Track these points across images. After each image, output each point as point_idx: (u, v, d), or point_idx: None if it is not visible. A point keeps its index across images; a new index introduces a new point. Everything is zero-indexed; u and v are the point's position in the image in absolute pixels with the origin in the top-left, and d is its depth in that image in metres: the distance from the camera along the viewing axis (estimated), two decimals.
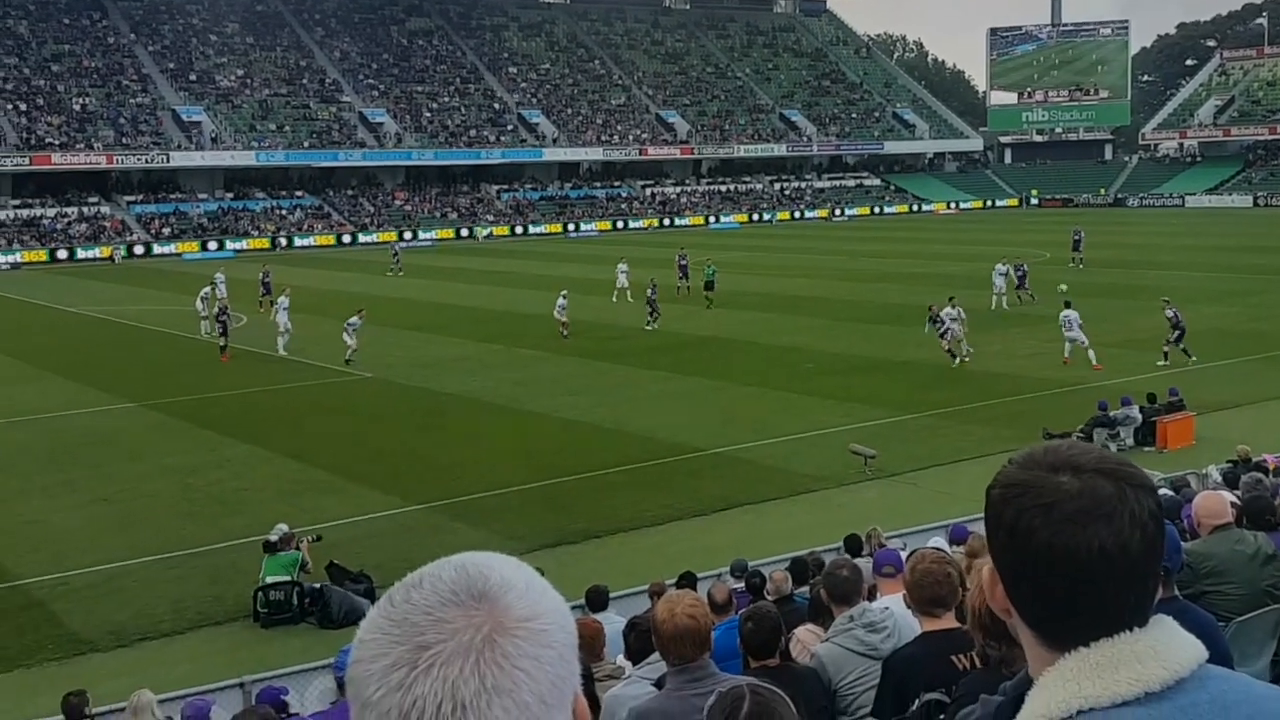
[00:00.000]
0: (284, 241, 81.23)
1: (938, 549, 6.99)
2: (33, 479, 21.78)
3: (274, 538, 15.45)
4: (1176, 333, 28.97)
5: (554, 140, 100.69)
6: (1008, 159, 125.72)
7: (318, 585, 15.09)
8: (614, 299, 43.69)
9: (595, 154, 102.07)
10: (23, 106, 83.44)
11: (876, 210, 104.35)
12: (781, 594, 10.00)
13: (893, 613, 6.14)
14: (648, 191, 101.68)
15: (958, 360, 30.04)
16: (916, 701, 4.79)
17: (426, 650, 1.21)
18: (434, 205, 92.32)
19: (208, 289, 40.47)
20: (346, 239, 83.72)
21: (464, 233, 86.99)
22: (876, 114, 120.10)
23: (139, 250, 76.37)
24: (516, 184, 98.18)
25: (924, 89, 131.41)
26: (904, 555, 7.32)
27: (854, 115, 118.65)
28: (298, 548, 15.42)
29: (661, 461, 21.70)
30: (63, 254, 73.88)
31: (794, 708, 3.43)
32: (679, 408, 26.48)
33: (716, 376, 29.69)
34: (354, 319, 32.45)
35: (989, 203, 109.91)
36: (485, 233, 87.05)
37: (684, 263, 46.46)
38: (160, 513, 19.47)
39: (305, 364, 32.81)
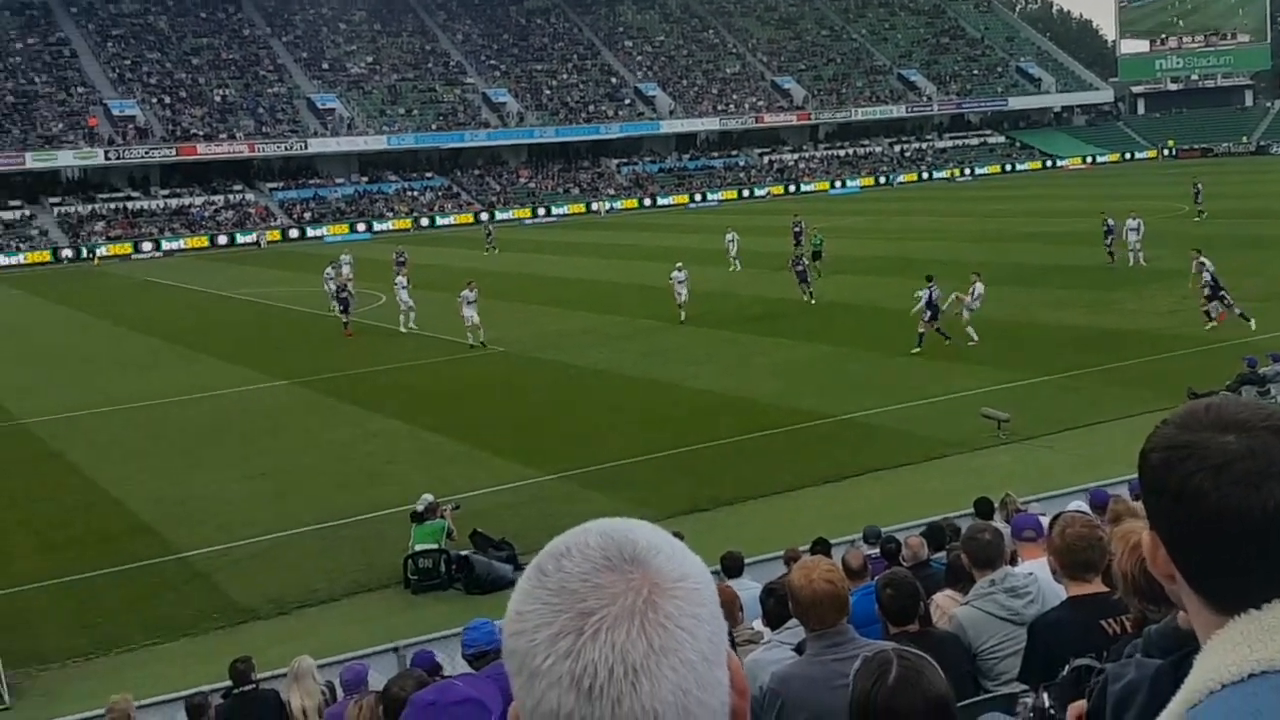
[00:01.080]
0: (425, 222, 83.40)
1: (1083, 513, 6.98)
2: (195, 455, 22.90)
3: (420, 507, 16.06)
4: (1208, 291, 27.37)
5: (670, 112, 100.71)
6: (1140, 109, 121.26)
7: (464, 553, 15.65)
8: (730, 269, 43.93)
9: (712, 124, 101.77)
10: (167, 100, 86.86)
11: (1003, 169, 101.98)
12: (918, 559, 10.06)
13: (1036, 578, 6.15)
14: (765, 160, 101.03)
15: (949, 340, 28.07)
16: (1066, 667, 4.82)
17: (591, 616, 1.22)
18: (557, 181, 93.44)
19: (330, 270, 41.76)
20: (485, 216, 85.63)
21: (594, 206, 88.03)
22: (999, 69, 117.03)
23: (294, 234, 79.24)
24: (635, 157, 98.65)
25: (1049, 41, 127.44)
26: (1044, 520, 7.35)
27: (975, 72, 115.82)
28: (442, 516, 16.00)
29: (790, 428, 21.80)
30: (221, 240, 77.20)
31: (941, 673, 3.41)
32: (806, 374, 26.52)
33: (841, 343, 29.61)
34: (466, 292, 32.37)
35: (1127, 155, 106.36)
36: (606, 207, 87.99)
37: (799, 230, 46.33)
38: (314, 485, 20.34)
39: (442, 340, 33.67)
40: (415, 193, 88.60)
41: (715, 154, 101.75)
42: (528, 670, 1.23)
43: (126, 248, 74.58)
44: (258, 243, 76.11)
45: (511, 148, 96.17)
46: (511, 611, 1.28)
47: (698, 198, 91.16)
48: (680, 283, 34.51)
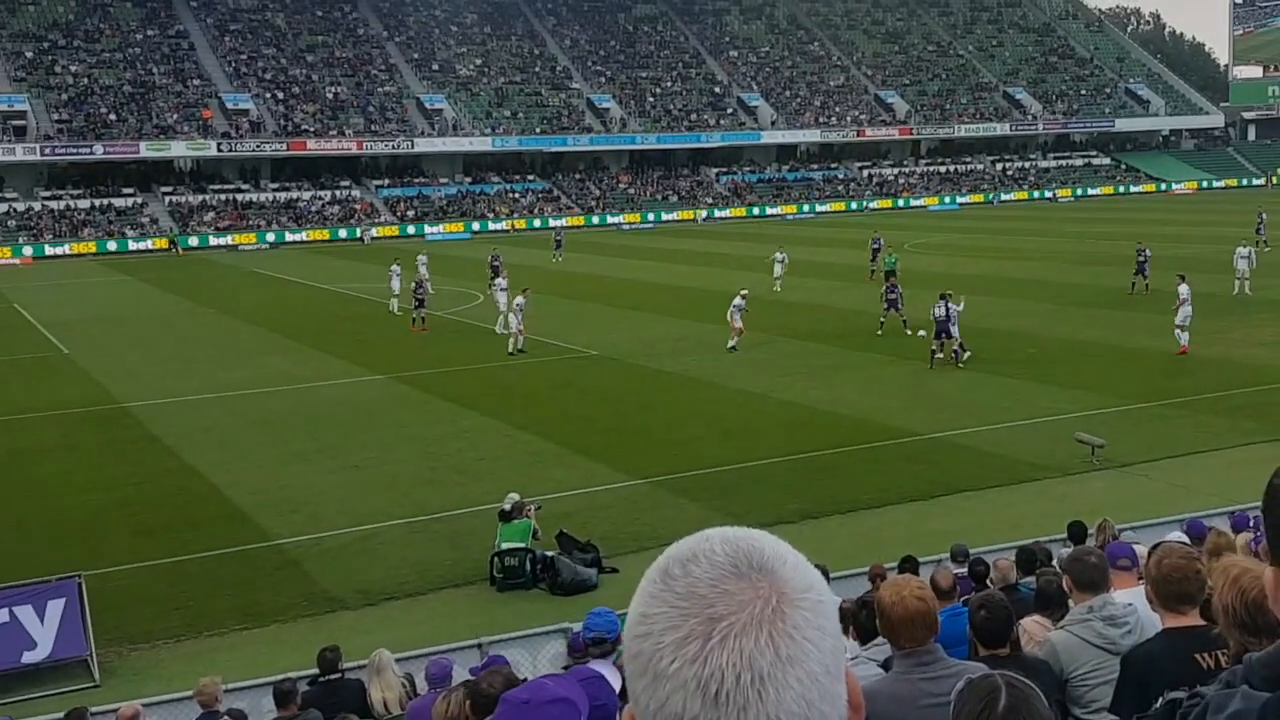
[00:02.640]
0: (520, 224, 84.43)
1: (1182, 543, 6.83)
2: (290, 444, 23.37)
3: (507, 506, 16.20)
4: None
5: (772, 123, 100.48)
6: (1251, 135, 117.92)
7: (549, 554, 15.76)
8: (775, 288, 41.87)
9: (813, 136, 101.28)
10: (280, 95, 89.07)
11: (1106, 190, 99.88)
12: (1007, 582, 9.91)
13: (1135, 608, 6.03)
14: (865, 173, 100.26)
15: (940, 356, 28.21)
16: (1159, 700, 4.71)
17: (719, 622, 1.22)
18: (656, 188, 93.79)
19: (396, 267, 42.36)
20: (554, 223, 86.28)
21: (703, 215, 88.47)
22: (1108, 90, 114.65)
23: (410, 230, 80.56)
24: (735, 166, 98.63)
25: (1160, 63, 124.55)
26: (1139, 550, 7.21)
27: (1083, 92, 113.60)
28: (527, 516, 16.13)
29: (878, 444, 21.61)
30: (320, 235, 79.05)
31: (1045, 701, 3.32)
32: (895, 391, 26.28)
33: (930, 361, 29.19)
34: (520, 299, 32.33)
35: (1243, 181, 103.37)
36: (702, 215, 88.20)
37: (877, 247, 45.83)
38: (405, 479, 20.61)
39: (535, 340, 34.00)
40: (517, 194, 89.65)
41: (815, 166, 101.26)
42: (652, 672, 1.24)
43: (237, 238, 76.60)
44: (362, 238, 77.59)
45: (613, 153, 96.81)
46: (636, 613, 1.29)
47: (805, 209, 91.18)
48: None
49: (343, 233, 79.82)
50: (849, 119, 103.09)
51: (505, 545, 15.64)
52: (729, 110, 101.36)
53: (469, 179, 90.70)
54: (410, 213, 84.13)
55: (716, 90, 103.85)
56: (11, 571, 15.35)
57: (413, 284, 39.15)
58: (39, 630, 13.31)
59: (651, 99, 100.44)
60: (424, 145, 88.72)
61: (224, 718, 8.51)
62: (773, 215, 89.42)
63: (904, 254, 45.50)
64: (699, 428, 23.61)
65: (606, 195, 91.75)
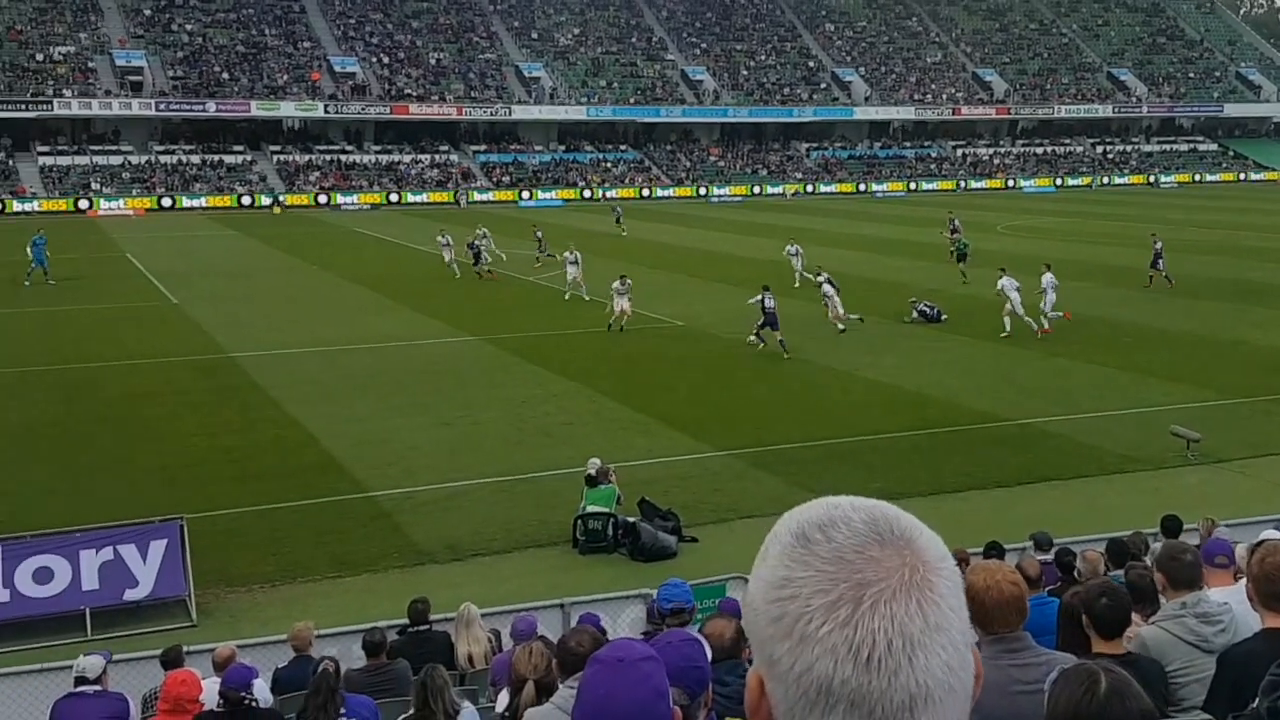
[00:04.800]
0: (613, 193, 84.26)
1: None
2: (386, 400, 23.83)
3: (592, 471, 16.43)
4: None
5: (866, 99, 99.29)
6: None
7: (631, 519, 15.97)
8: (795, 284, 38.10)
9: (907, 113, 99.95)
10: (385, 59, 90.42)
11: (1212, 177, 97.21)
12: (1096, 574, 9.83)
13: (1230, 606, 5.98)
14: (958, 152, 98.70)
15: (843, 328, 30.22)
16: (1256, 699, 4.69)
17: (869, 587, 1.24)
18: (746, 161, 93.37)
19: (445, 238, 42.81)
20: (664, 192, 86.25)
21: (811, 188, 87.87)
22: (1217, 74, 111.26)
23: (494, 197, 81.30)
24: (826, 142, 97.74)
25: (1273, 47, 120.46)
26: (1236, 547, 7.13)
27: (1191, 75, 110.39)
28: (610, 482, 16.33)
29: (963, 428, 21.43)
30: (424, 196, 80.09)
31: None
32: (983, 374, 26.03)
33: (1023, 346, 28.85)
34: (617, 283, 31.92)
35: None
36: (797, 190, 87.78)
37: (955, 229, 44.96)
38: (494, 439, 20.95)
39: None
40: (609, 164, 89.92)
41: (908, 144, 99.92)
42: (799, 634, 1.25)
43: (342, 197, 78.15)
44: (458, 202, 78.56)
45: (704, 125, 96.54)
46: (775, 577, 1.29)
47: (912, 187, 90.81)
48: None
49: (440, 193, 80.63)
50: (944, 96, 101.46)
51: (591, 509, 15.88)
52: (822, 85, 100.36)
53: (563, 147, 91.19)
54: (505, 178, 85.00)
55: (810, 65, 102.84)
56: (120, 509, 15.94)
57: (466, 244, 41.14)
58: (141, 569, 13.80)
59: (745, 72, 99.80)
60: (520, 113, 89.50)
61: (325, 660, 8.78)
62: (876, 191, 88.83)
63: (996, 236, 44.72)
64: (782, 402, 23.64)
65: (697, 167, 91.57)
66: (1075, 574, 10.18)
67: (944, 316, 32.39)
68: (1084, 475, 18.88)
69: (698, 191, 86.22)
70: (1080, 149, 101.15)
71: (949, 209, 52.19)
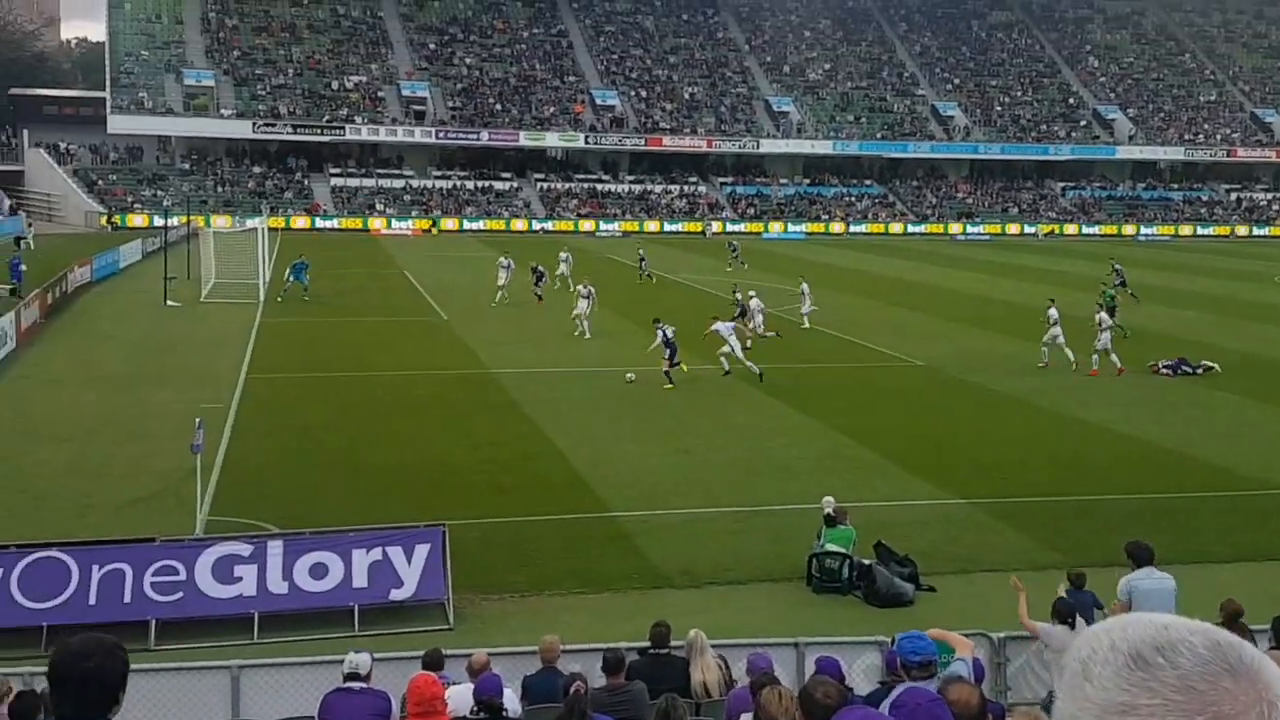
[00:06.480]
0: (857, 229, 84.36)
1: None
2: (625, 424, 24.57)
3: (829, 510, 16.46)
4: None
5: (1130, 137, 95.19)
6: None
7: (867, 562, 15.95)
8: (804, 324, 37.19)
9: (1175, 153, 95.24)
10: (643, 93, 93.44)
11: None
12: None
13: None
14: (1232, 196, 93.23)
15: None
16: None
17: None
18: (995, 199, 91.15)
19: (507, 260, 43.66)
20: (911, 229, 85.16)
21: (1082, 230, 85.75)
22: None
23: (741, 229, 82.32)
24: (1084, 181, 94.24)
25: None
26: None
27: None
28: (846, 523, 16.31)
29: (1227, 493, 20.27)
30: (671, 226, 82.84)
31: None
32: (1251, 435, 24.61)
33: None
34: (583, 288, 35.84)
35: None
36: (1046, 231, 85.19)
37: (1121, 278, 43.89)
38: (730, 469, 21.21)
39: (859, 345, 34.06)
40: (853, 198, 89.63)
41: (1175, 185, 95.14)
42: None
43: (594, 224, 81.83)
44: (703, 232, 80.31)
45: (953, 161, 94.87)
46: (1110, 701, 1.27)
47: (1187, 231, 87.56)
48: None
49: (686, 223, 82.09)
50: (1219, 137, 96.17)
51: (829, 548, 15.93)
52: (1082, 122, 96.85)
53: (807, 180, 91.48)
54: (750, 210, 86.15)
55: (1070, 101, 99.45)
56: (387, 512, 17.07)
57: (530, 267, 42.82)
58: (406, 570, 14.66)
59: (999, 108, 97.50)
60: (768, 145, 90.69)
61: (576, 681, 9.20)
62: (1142, 235, 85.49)
63: (1273, 287, 42.01)
64: (1026, 452, 22.98)
65: (943, 204, 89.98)
66: None
67: (1208, 369, 30.88)
68: None
69: (947, 229, 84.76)
70: None
71: (1111, 258, 49.78)
